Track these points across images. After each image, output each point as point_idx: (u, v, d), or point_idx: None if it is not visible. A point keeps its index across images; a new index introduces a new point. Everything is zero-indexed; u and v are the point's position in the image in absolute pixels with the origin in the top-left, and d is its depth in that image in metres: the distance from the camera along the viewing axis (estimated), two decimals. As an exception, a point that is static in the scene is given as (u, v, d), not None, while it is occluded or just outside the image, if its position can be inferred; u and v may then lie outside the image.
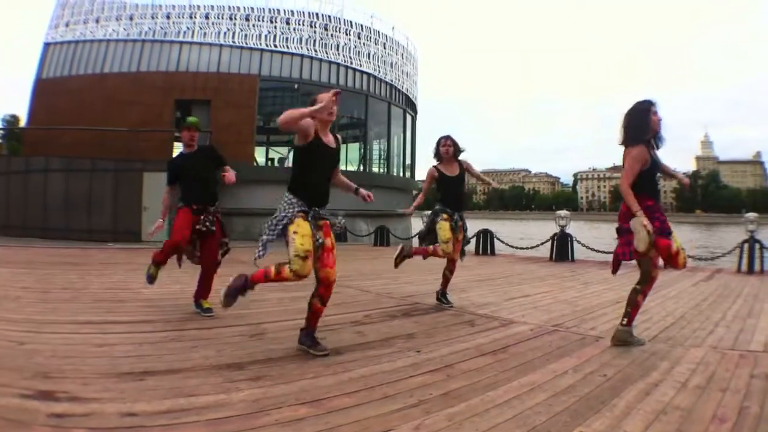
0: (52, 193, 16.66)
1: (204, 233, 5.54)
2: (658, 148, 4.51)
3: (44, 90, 21.14)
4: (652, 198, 4.40)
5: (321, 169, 4.11)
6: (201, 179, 5.59)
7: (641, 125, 4.42)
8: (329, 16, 21.77)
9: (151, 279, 5.60)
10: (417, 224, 19.27)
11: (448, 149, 6.18)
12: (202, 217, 5.53)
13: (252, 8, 20.74)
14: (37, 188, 16.73)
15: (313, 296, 4.11)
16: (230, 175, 5.53)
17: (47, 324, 4.71)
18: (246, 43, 20.30)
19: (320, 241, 3.95)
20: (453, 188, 6.23)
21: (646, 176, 4.39)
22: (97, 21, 21.07)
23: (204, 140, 18.03)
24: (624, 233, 4.47)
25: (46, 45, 21.80)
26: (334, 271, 4.04)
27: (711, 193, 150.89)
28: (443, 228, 6.04)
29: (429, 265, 7.24)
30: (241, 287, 4.14)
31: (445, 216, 6.09)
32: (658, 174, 4.57)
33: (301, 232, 3.85)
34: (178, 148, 22.02)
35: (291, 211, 3.96)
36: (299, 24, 21.04)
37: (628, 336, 4.51)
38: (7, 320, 4.75)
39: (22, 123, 26.63)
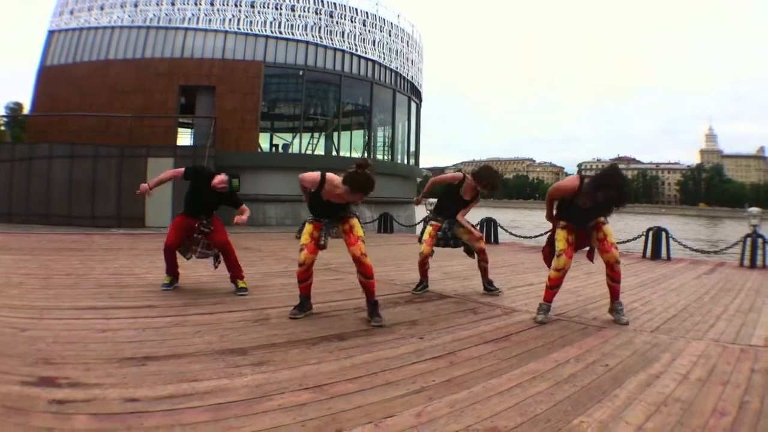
0: (56, 180, 16.59)
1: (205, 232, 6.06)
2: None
3: (48, 77, 21.05)
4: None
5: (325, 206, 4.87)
6: (206, 206, 6.03)
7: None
8: (334, 3, 21.59)
9: (167, 286, 6.04)
10: (421, 212, 19.27)
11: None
12: (196, 224, 6.02)
13: (257, -6, 20.63)
14: (40, 175, 16.63)
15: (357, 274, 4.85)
16: (240, 218, 6.00)
17: (49, 310, 4.72)
18: (251, 30, 20.17)
19: (322, 242, 4.84)
20: (456, 204, 6.40)
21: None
22: (102, 8, 20.91)
23: (208, 126, 18.10)
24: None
25: (50, 33, 21.65)
26: (355, 247, 4.77)
27: (715, 187, 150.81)
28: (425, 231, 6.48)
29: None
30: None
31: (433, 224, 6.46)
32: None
33: (305, 231, 4.87)
34: (182, 135, 22.04)
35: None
36: (304, 11, 20.89)
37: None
38: (9, 307, 4.76)
39: (26, 110, 26.50)
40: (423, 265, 6.41)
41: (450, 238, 6.39)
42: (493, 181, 6.21)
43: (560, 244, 5.03)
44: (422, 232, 6.52)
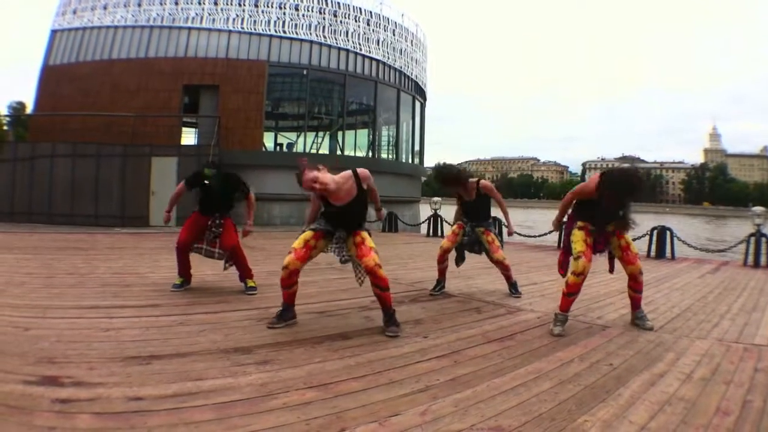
0: (59, 179, 16.58)
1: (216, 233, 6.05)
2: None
3: (51, 77, 21.01)
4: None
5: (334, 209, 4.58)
6: (216, 199, 6.01)
7: None
8: (338, 3, 21.55)
9: (177, 287, 5.96)
10: (425, 211, 19.26)
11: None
12: (209, 222, 5.99)
13: (261, -6, 20.60)
14: (43, 174, 16.63)
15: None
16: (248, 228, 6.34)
17: (52, 309, 4.72)
18: (255, 29, 20.14)
19: (344, 258, 4.68)
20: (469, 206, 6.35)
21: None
22: (105, 8, 20.89)
23: (212, 125, 18.11)
24: None
25: (53, 32, 21.63)
26: (368, 258, 4.41)
27: (719, 186, 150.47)
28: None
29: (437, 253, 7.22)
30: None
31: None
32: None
33: (302, 237, 4.54)
34: (186, 134, 21.99)
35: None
36: (308, 10, 20.86)
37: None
38: (11, 306, 4.76)
39: (29, 110, 26.52)
40: (441, 262, 6.31)
41: (475, 242, 6.31)
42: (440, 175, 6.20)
43: (578, 246, 4.63)
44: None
